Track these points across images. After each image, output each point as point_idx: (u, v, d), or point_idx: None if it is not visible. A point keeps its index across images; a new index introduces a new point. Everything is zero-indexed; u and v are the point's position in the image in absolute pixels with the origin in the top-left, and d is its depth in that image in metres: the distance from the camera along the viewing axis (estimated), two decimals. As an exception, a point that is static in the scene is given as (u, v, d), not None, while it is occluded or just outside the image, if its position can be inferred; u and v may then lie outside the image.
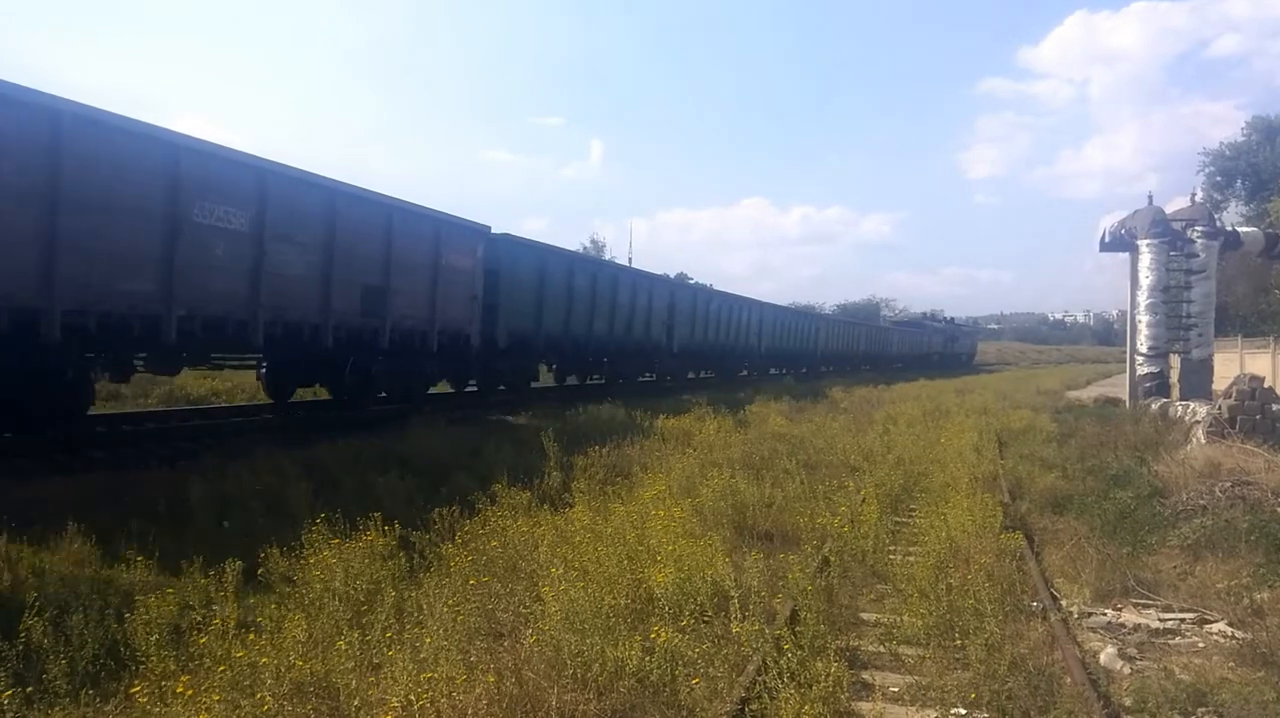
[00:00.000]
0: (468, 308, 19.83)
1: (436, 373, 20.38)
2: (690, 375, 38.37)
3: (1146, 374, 23.41)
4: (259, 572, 6.89)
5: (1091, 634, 7.07)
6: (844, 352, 61.08)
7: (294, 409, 18.12)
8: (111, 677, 5.08)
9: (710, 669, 5.32)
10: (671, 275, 58.61)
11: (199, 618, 5.55)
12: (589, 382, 29.40)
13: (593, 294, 26.31)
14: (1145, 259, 23.39)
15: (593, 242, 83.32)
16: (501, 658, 5.29)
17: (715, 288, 41.84)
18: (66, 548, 7.25)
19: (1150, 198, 24.21)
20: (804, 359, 52.37)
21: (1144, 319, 23.44)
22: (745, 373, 43.75)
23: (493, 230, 21.33)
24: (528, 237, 24.97)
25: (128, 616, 5.48)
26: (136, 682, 4.87)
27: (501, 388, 23.38)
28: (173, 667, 4.97)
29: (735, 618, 6.01)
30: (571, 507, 9.19)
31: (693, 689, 5.14)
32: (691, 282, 54.02)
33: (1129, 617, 7.45)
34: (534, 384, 25.66)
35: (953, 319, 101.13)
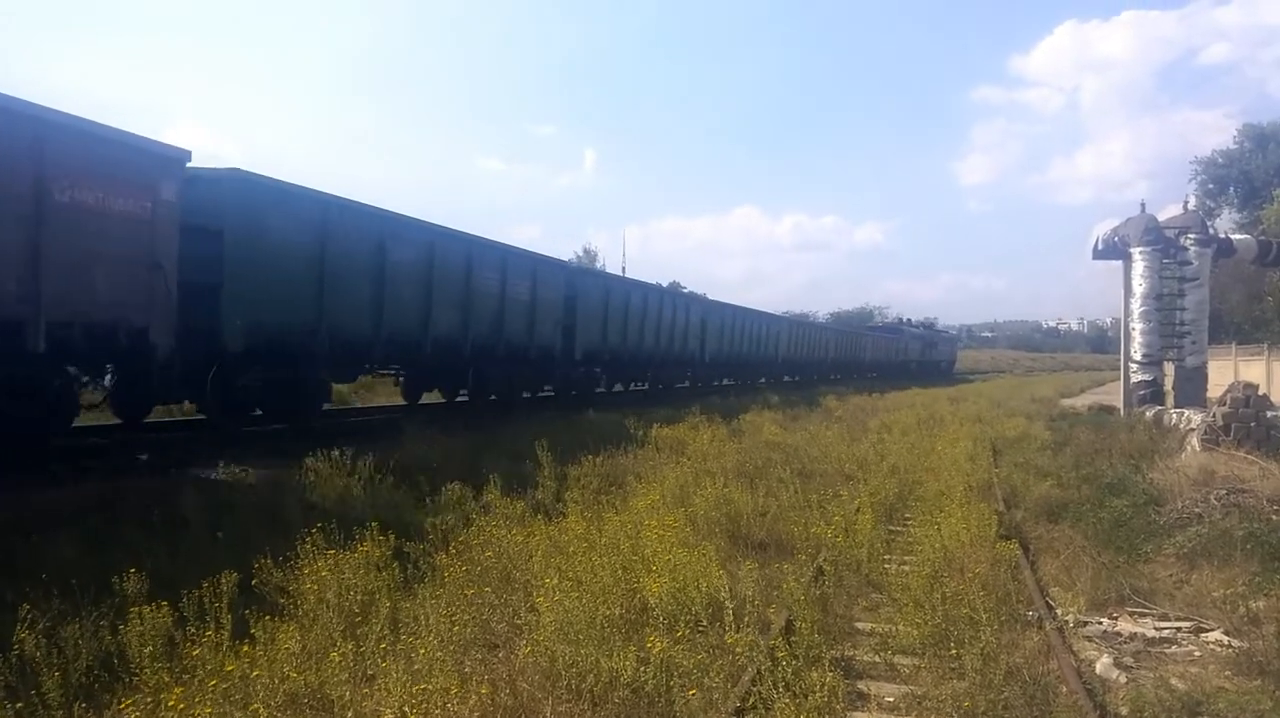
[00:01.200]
0: (138, 284, 11.42)
1: (66, 390, 11.71)
2: (617, 388, 32.03)
3: (1141, 382, 23.43)
4: (253, 582, 6.86)
5: (1087, 643, 7.07)
6: (810, 359, 54.07)
7: None
8: (105, 689, 5.05)
9: (705, 680, 5.31)
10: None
11: (193, 629, 5.53)
12: (459, 399, 22.52)
13: (429, 276, 18.25)
14: (1138, 267, 23.44)
15: (585, 250, 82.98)
16: (496, 669, 5.28)
17: (661, 286, 36.57)
18: (60, 558, 7.22)
19: (1143, 205, 24.32)
20: (761, 368, 46.11)
21: (1138, 327, 23.47)
22: (685, 384, 37.10)
23: (203, 162, 13.20)
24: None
25: (121, 627, 5.46)
26: (129, 695, 4.85)
27: (259, 413, 15.52)
28: (166, 679, 4.95)
29: (730, 628, 6.00)
30: (565, 516, 9.18)
31: (688, 700, 5.14)
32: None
33: (1125, 626, 7.45)
34: (332, 406, 18.85)
35: (932, 324, 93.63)
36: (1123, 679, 6.22)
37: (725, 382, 42.18)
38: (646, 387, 33.35)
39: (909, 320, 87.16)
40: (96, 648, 5.34)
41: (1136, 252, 23.51)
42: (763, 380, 45.52)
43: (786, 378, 50.45)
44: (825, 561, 8.26)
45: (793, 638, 5.89)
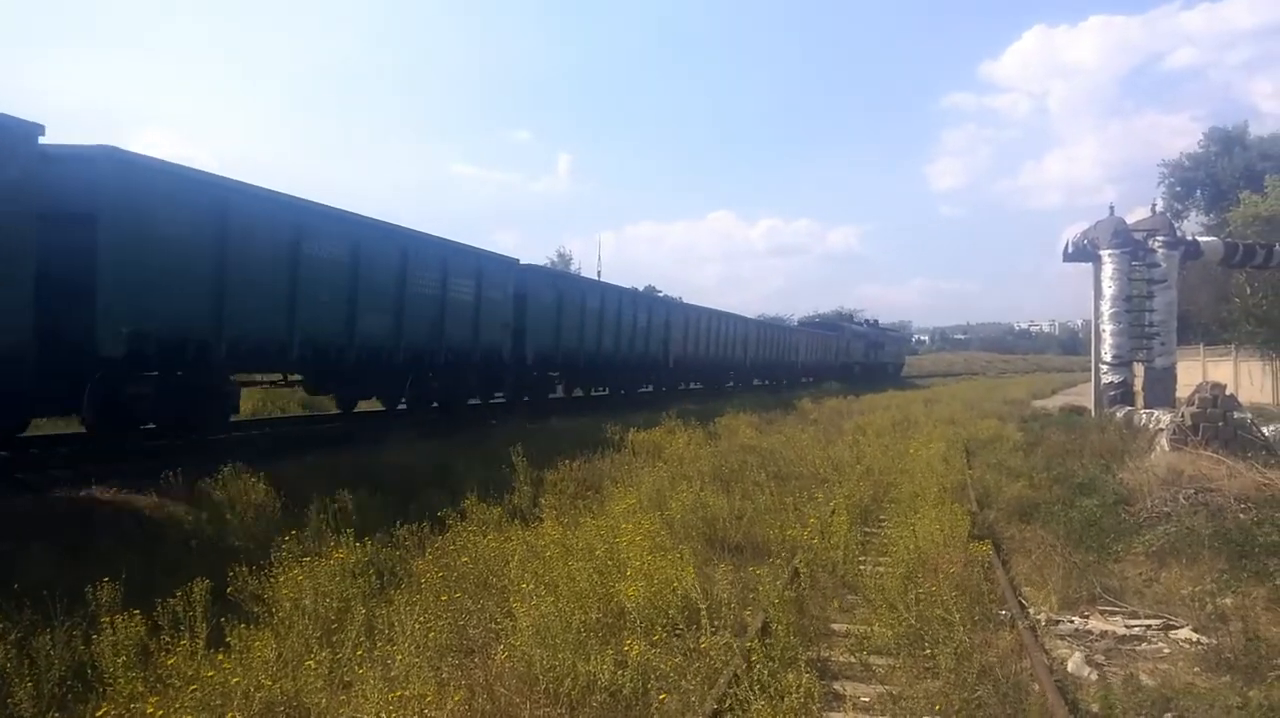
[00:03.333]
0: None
1: None
2: (407, 405, 19.64)
3: (1111, 383, 23.66)
4: (228, 591, 6.83)
5: (1059, 642, 7.15)
6: (718, 360, 40.68)
7: None
8: (79, 699, 5.02)
9: (682, 682, 5.34)
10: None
11: (168, 639, 5.50)
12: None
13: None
14: (1108, 269, 23.68)
15: (560, 255, 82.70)
16: (473, 674, 5.29)
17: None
18: (33, 567, 7.15)
19: (1112, 208, 24.53)
20: (639, 374, 32.89)
21: (1108, 328, 23.71)
22: (500, 398, 23.87)
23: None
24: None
25: (95, 637, 5.42)
26: (104, 704, 4.82)
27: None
28: (141, 688, 4.92)
29: (706, 631, 6.03)
30: (542, 521, 9.19)
31: (665, 703, 5.16)
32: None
33: (1095, 624, 7.54)
34: None
35: (877, 322, 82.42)
36: (1093, 677, 6.30)
37: (599, 392, 30.89)
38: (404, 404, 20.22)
39: (850, 316, 76.15)
40: (69, 658, 5.30)
41: (1106, 254, 23.75)
42: (646, 389, 33.95)
43: (695, 384, 39.63)
44: (801, 563, 8.30)
45: (769, 640, 5.93)
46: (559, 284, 26.18)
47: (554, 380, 27.10)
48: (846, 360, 64.55)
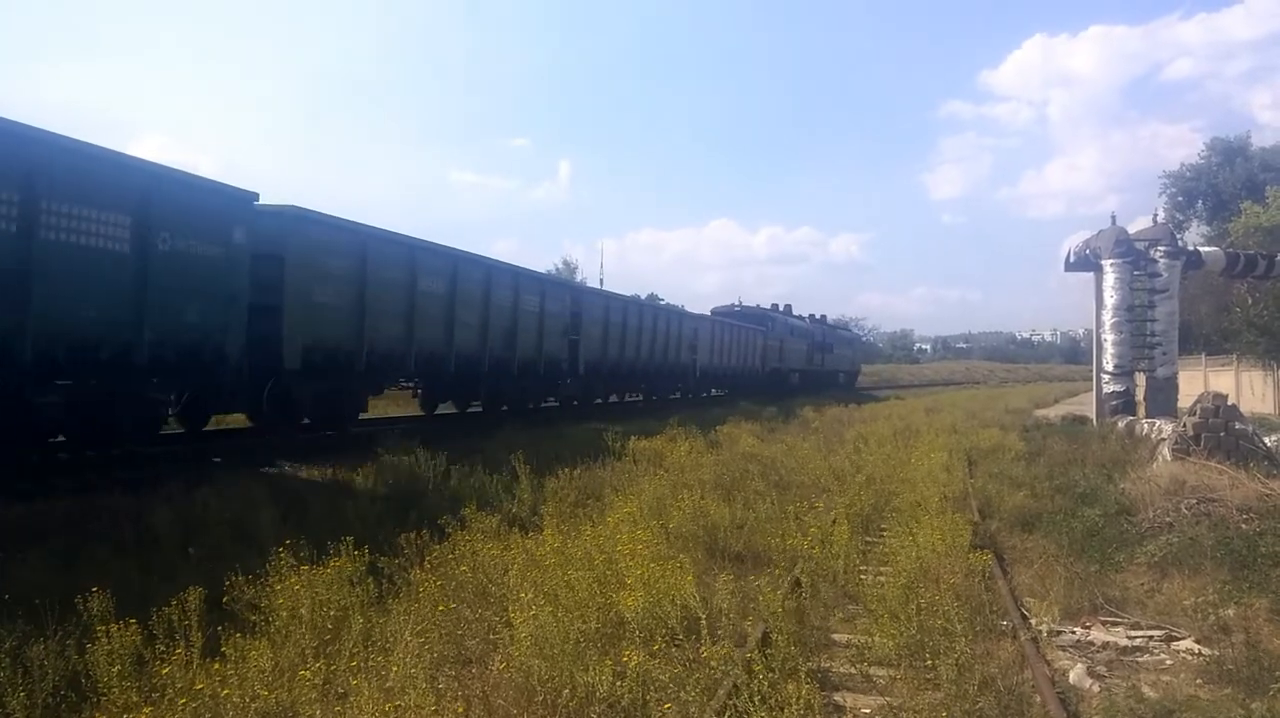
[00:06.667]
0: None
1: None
2: None
3: (1113, 392, 23.66)
4: (224, 599, 6.79)
5: (1060, 653, 7.11)
6: (522, 362, 23.21)
7: None
8: (72, 709, 4.98)
9: (682, 693, 5.30)
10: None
11: (162, 648, 5.46)
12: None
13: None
14: (1109, 279, 23.69)
15: (565, 262, 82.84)
16: (470, 685, 5.25)
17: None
18: (28, 576, 7.12)
19: (1113, 218, 24.55)
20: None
21: (1109, 338, 23.71)
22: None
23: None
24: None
25: (89, 646, 5.39)
26: (97, 714, 4.78)
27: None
28: (135, 698, 4.89)
29: (706, 641, 5.99)
30: (542, 530, 9.14)
31: (664, 714, 5.12)
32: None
33: (1097, 635, 7.50)
34: None
35: (824, 317, 65.00)
36: (1095, 689, 6.26)
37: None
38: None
39: (786, 308, 56.45)
40: (63, 667, 5.26)
41: (1107, 264, 23.76)
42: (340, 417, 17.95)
43: (529, 402, 25.43)
44: (802, 572, 8.26)
45: (769, 650, 5.89)
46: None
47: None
48: (779, 366, 49.75)
